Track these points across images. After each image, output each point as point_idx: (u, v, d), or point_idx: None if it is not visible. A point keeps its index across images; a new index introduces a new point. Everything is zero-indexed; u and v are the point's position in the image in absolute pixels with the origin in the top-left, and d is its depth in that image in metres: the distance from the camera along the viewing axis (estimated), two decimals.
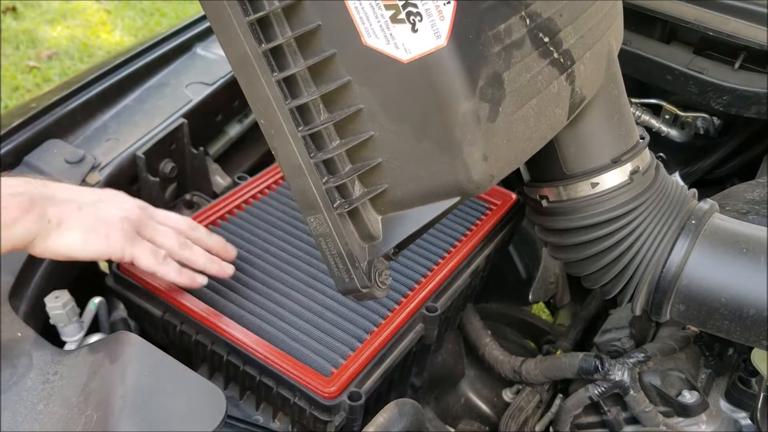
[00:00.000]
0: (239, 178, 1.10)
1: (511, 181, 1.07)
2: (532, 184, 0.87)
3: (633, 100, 1.32)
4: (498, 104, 0.60)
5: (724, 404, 0.96)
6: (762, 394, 0.90)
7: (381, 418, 0.73)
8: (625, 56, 1.18)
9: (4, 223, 0.70)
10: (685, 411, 0.95)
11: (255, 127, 1.26)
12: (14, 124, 1.01)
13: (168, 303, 0.87)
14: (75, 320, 0.83)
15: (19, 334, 0.78)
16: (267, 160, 1.29)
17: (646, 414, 0.95)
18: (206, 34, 1.29)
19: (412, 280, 0.94)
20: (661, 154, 1.38)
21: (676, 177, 1.32)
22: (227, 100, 1.17)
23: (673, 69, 1.15)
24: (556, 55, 0.67)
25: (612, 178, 0.81)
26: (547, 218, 0.86)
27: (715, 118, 1.31)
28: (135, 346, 0.74)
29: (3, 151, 0.98)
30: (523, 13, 0.63)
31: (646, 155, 0.85)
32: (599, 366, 0.99)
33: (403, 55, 0.57)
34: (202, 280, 0.85)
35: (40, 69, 3.08)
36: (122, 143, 1.04)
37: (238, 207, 1.03)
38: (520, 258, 1.39)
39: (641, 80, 1.21)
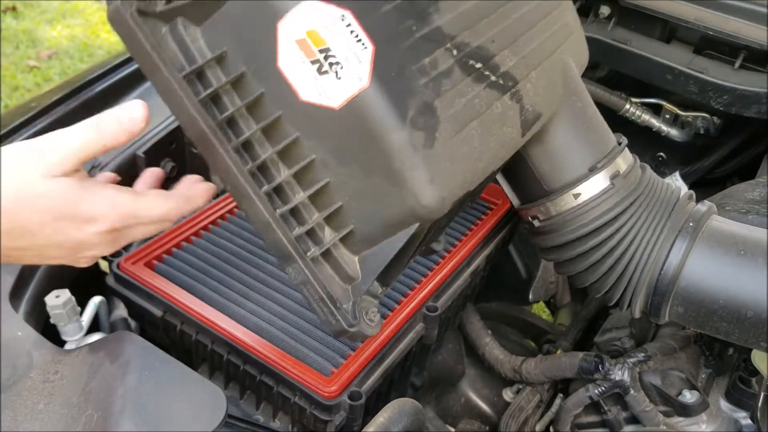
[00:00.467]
0: None
1: None
2: (521, 207, 0.88)
3: (633, 99, 1.32)
4: (433, 131, 0.64)
5: (724, 404, 0.96)
6: (762, 394, 0.90)
7: (381, 417, 0.73)
8: (625, 56, 1.19)
9: None
10: (685, 411, 0.95)
11: None
12: (14, 124, 1.01)
13: (168, 303, 0.87)
14: (75, 320, 0.83)
15: (20, 334, 0.78)
16: None
17: (647, 414, 0.95)
18: None
19: (413, 280, 0.95)
20: (661, 153, 1.38)
21: (676, 177, 1.32)
22: None
23: (673, 69, 1.15)
24: (493, 78, 0.70)
25: (592, 186, 0.82)
26: (543, 237, 0.86)
27: (715, 118, 1.31)
28: (135, 345, 0.74)
29: None
30: (448, 45, 0.67)
31: (626, 158, 0.85)
32: (599, 366, 0.99)
33: (335, 103, 0.62)
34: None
35: (40, 69, 3.08)
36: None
37: (237, 206, 1.03)
38: (520, 258, 1.39)
39: (641, 80, 1.21)
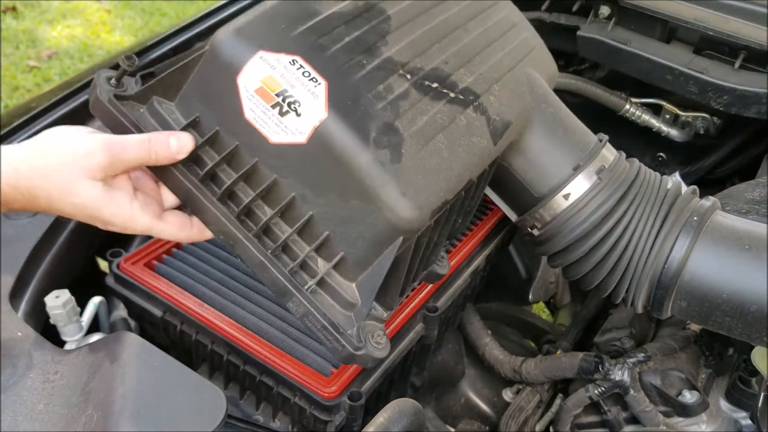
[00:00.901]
0: None
1: None
2: (519, 220, 0.89)
3: (633, 99, 1.32)
4: (398, 147, 0.68)
5: (724, 404, 0.96)
6: (762, 394, 0.90)
7: (381, 418, 0.73)
8: (625, 56, 1.18)
9: None
10: (685, 411, 0.95)
11: None
12: (14, 124, 1.01)
13: (168, 303, 0.87)
14: (75, 320, 0.83)
15: (20, 334, 0.78)
16: None
17: (647, 414, 0.95)
18: (206, 33, 1.29)
19: None
20: (661, 154, 1.38)
21: (676, 177, 1.32)
22: None
23: (673, 69, 1.15)
24: (452, 94, 0.75)
25: (580, 184, 0.83)
26: (546, 245, 0.87)
27: (715, 118, 1.31)
28: (135, 346, 0.74)
29: None
30: (401, 71, 0.73)
31: (609, 152, 0.86)
32: (599, 366, 0.99)
33: (301, 138, 0.67)
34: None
35: (40, 69, 3.08)
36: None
37: None
38: (520, 258, 1.39)
39: (641, 80, 1.21)
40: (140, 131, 0.71)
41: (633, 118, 1.32)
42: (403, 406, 0.76)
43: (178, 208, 0.77)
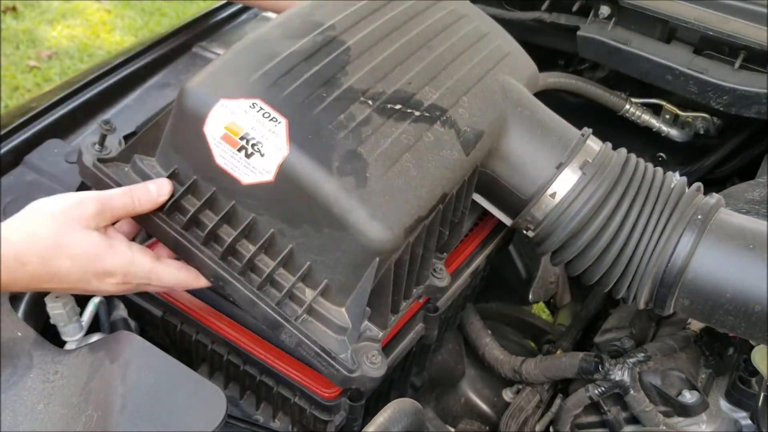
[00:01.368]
0: None
1: None
2: (514, 224, 0.89)
3: (633, 100, 1.32)
4: (363, 172, 0.71)
5: (724, 404, 0.96)
6: (762, 394, 0.90)
7: (381, 418, 0.73)
8: (625, 56, 1.18)
9: None
10: (685, 411, 0.95)
11: None
12: (14, 124, 1.01)
13: (168, 303, 0.87)
14: (75, 320, 0.83)
15: (20, 334, 0.77)
16: None
17: (646, 414, 0.95)
18: (206, 33, 1.29)
19: None
20: (661, 154, 1.38)
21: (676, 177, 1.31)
22: None
23: (673, 69, 1.15)
24: (417, 113, 0.77)
25: (565, 181, 0.83)
26: (544, 245, 0.87)
27: (715, 118, 1.31)
28: (135, 346, 0.74)
29: (3, 151, 0.98)
30: (362, 98, 0.75)
31: (593, 146, 0.86)
32: (599, 366, 0.99)
33: (268, 176, 0.71)
34: None
35: (40, 69, 3.08)
36: (122, 143, 1.03)
37: None
38: (520, 258, 1.39)
39: (641, 80, 1.21)
40: None
41: (633, 118, 1.32)
42: (403, 406, 0.76)
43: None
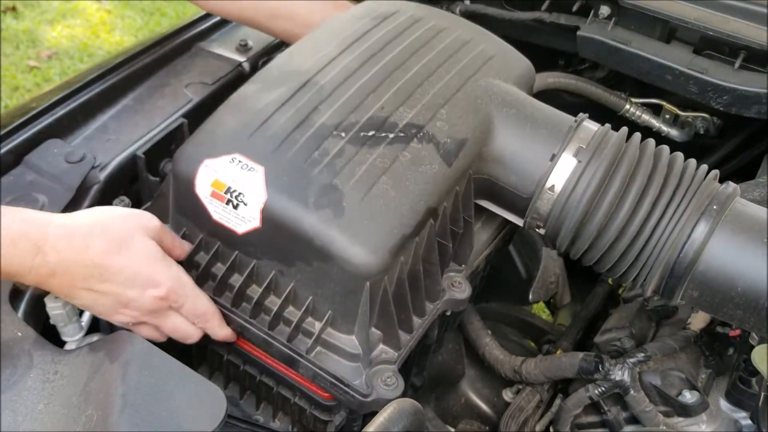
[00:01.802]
0: None
1: None
2: (525, 224, 0.88)
3: (633, 100, 1.32)
4: (339, 203, 0.74)
5: (724, 404, 0.96)
6: (762, 394, 0.90)
7: (381, 418, 0.73)
8: (625, 56, 1.18)
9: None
10: (685, 411, 0.94)
11: None
12: (14, 124, 1.01)
13: None
14: (75, 320, 0.83)
15: (20, 334, 0.77)
16: None
17: (647, 414, 0.95)
18: (206, 33, 1.29)
19: None
20: None
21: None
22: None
23: (673, 69, 1.15)
24: (392, 135, 0.80)
25: (561, 172, 0.82)
26: (558, 242, 0.85)
27: (715, 118, 1.31)
28: (135, 346, 0.74)
29: (3, 151, 0.98)
30: (335, 132, 0.79)
31: (589, 130, 0.84)
32: (599, 366, 0.99)
33: (255, 223, 0.76)
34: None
35: (40, 69, 3.08)
36: (122, 143, 1.03)
37: None
38: (520, 258, 1.38)
39: (641, 80, 1.21)
40: None
41: (633, 118, 1.32)
42: (403, 406, 0.76)
43: None
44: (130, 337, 0.75)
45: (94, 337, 0.85)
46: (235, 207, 0.76)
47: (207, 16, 1.31)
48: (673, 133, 1.32)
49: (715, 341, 0.99)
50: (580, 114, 0.87)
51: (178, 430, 0.67)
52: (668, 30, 1.19)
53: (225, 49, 1.25)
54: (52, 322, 0.83)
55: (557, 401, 1.10)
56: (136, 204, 0.99)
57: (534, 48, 1.41)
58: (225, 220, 0.78)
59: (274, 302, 0.79)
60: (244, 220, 0.76)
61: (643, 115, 1.32)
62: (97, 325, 0.91)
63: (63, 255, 0.72)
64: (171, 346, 0.91)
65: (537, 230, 0.87)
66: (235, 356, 0.87)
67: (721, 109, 1.13)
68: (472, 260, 0.90)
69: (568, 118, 0.87)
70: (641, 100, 1.33)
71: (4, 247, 0.69)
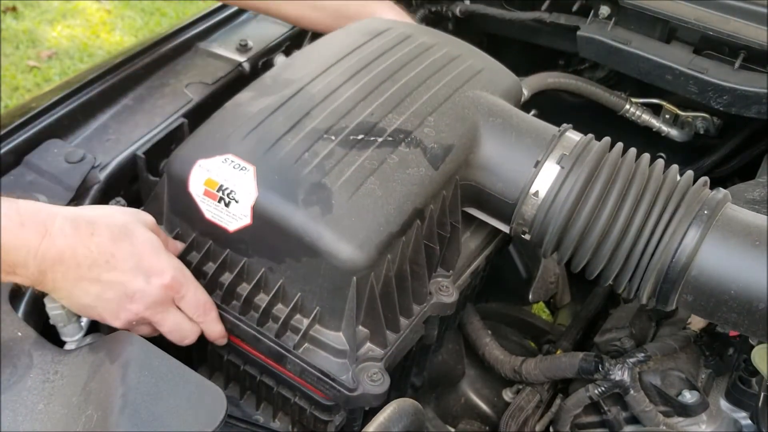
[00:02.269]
0: None
1: None
2: (511, 230, 0.89)
3: (633, 99, 1.32)
4: (328, 200, 0.76)
5: (724, 404, 0.96)
6: (762, 394, 0.90)
7: (381, 417, 0.73)
8: (625, 56, 1.18)
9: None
10: (685, 411, 0.95)
11: None
12: (14, 124, 1.01)
13: None
14: (74, 320, 0.83)
15: (20, 334, 0.77)
16: None
17: (646, 414, 0.95)
18: (206, 33, 1.29)
19: None
20: (662, 154, 1.38)
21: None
22: (227, 100, 1.17)
23: (673, 69, 1.15)
24: (380, 139, 0.82)
25: (545, 178, 0.84)
26: (544, 247, 0.86)
27: (715, 118, 1.31)
28: (135, 346, 0.74)
29: (3, 151, 0.98)
30: (325, 135, 0.81)
31: (572, 139, 0.86)
32: (599, 366, 0.99)
33: (246, 220, 0.78)
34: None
35: (40, 69, 3.08)
36: (122, 143, 1.04)
37: None
38: (520, 258, 1.38)
39: (641, 80, 1.21)
40: None
41: (633, 118, 1.32)
42: (403, 406, 0.76)
43: None
44: (130, 337, 0.75)
45: (94, 337, 0.85)
46: (227, 205, 0.78)
47: (207, 16, 1.31)
48: (673, 133, 1.32)
49: (715, 341, 0.99)
50: (564, 124, 0.89)
51: (178, 430, 0.67)
52: (668, 30, 1.19)
53: (225, 49, 1.25)
54: (51, 322, 0.83)
55: (557, 401, 1.10)
56: (136, 204, 0.99)
57: (534, 48, 1.41)
58: (217, 218, 0.80)
59: (263, 299, 0.80)
60: (235, 218, 0.78)
61: (643, 115, 1.32)
62: (96, 325, 0.91)
63: (70, 240, 0.72)
64: (171, 346, 0.91)
65: (523, 236, 0.89)
66: (235, 356, 0.87)
67: (721, 109, 1.13)
68: (459, 267, 0.92)
69: (552, 128, 0.90)
70: (641, 100, 1.33)
71: (11, 229, 0.69)
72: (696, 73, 1.13)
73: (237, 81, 1.19)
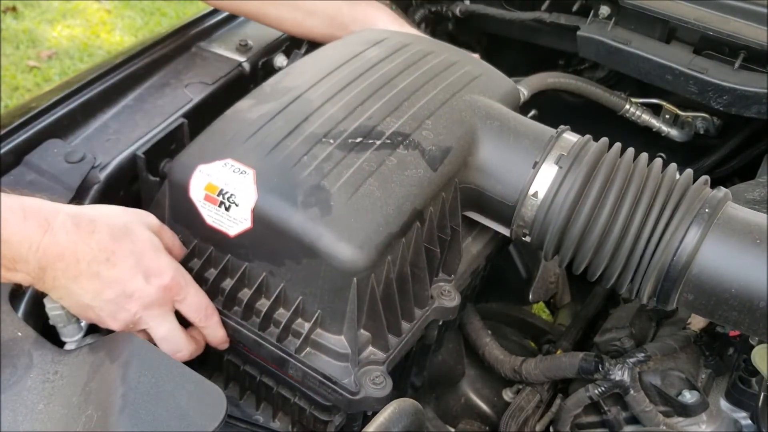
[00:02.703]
0: None
1: None
2: (512, 233, 0.89)
3: (633, 100, 1.32)
4: (327, 202, 0.77)
5: (724, 404, 0.96)
6: (762, 394, 0.90)
7: (381, 418, 0.73)
8: (625, 56, 1.18)
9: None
10: (685, 411, 0.95)
11: None
12: (14, 124, 1.01)
13: None
14: (74, 320, 0.83)
15: (20, 334, 0.77)
16: None
17: (646, 414, 0.95)
18: (206, 33, 1.29)
19: None
20: (661, 154, 1.38)
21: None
22: (227, 100, 1.17)
23: (673, 69, 1.15)
24: (378, 142, 0.83)
25: (543, 179, 0.84)
26: (545, 249, 0.86)
27: (715, 118, 1.31)
28: (135, 346, 0.74)
29: (3, 151, 0.97)
30: (323, 139, 0.82)
31: (569, 140, 0.87)
32: (599, 366, 0.99)
33: (247, 224, 0.78)
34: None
35: (40, 69, 3.08)
36: (122, 143, 1.03)
37: None
38: (520, 258, 1.38)
39: (641, 80, 1.21)
40: None
41: (633, 118, 1.32)
42: (403, 406, 0.76)
43: None
44: (130, 337, 0.75)
45: (94, 338, 0.85)
46: (227, 209, 0.79)
47: (207, 15, 1.31)
48: (673, 133, 1.32)
49: (715, 341, 0.99)
50: (561, 126, 0.90)
51: (178, 430, 0.67)
52: (668, 30, 1.19)
53: (225, 49, 1.24)
54: (51, 322, 0.83)
55: (557, 401, 1.10)
56: (136, 204, 0.99)
57: (534, 48, 1.41)
58: (218, 223, 0.80)
59: (264, 304, 0.80)
60: (235, 222, 0.79)
61: (643, 115, 1.32)
62: (96, 326, 0.91)
63: (71, 236, 0.72)
64: None
65: (524, 238, 0.89)
66: (234, 356, 0.87)
67: (721, 109, 1.13)
68: (461, 272, 0.92)
69: (550, 130, 0.90)
70: (641, 100, 1.33)
71: (14, 223, 0.69)
72: (696, 73, 1.13)
73: (237, 81, 1.18)
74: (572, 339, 1.22)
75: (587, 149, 0.85)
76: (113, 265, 0.74)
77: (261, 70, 1.22)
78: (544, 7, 1.29)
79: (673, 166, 0.86)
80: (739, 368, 0.95)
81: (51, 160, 0.98)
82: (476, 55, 1.10)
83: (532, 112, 1.33)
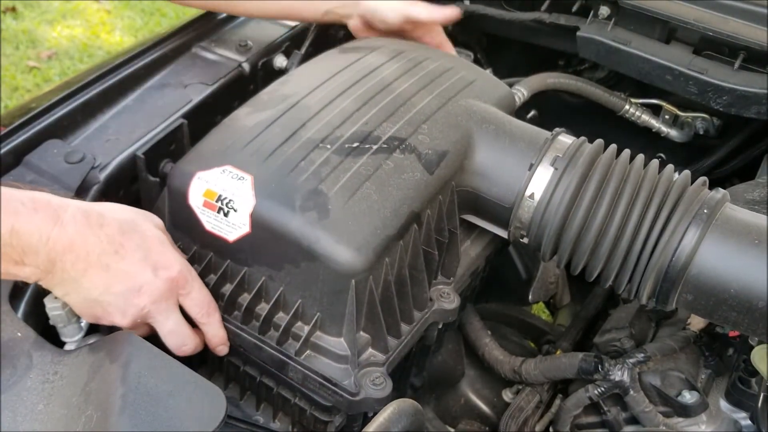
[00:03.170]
0: None
1: None
2: (509, 235, 0.90)
3: (633, 100, 1.32)
4: (325, 206, 0.77)
5: (724, 404, 0.96)
6: (762, 394, 0.90)
7: (381, 418, 0.73)
8: (625, 56, 1.18)
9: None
10: (685, 411, 0.95)
11: None
12: (14, 124, 1.01)
13: None
14: (74, 321, 0.83)
15: (19, 334, 0.77)
16: None
17: (646, 414, 0.95)
18: (206, 34, 1.29)
19: None
20: (661, 154, 1.38)
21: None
22: (227, 100, 1.17)
23: (673, 69, 1.15)
24: (375, 146, 0.84)
25: (539, 181, 0.85)
26: (543, 250, 0.86)
27: (715, 118, 1.31)
28: (135, 346, 0.74)
29: (3, 151, 0.97)
30: (320, 144, 0.83)
31: (565, 142, 0.87)
32: (599, 366, 0.99)
33: (245, 228, 0.79)
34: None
35: (40, 69, 3.08)
36: (122, 143, 1.03)
37: None
38: (520, 258, 1.38)
39: (641, 80, 1.21)
40: None
41: (633, 118, 1.32)
42: (403, 406, 0.76)
43: None
44: (130, 337, 0.75)
45: (94, 338, 0.85)
46: (226, 214, 0.79)
47: (207, 16, 1.31)
48: (673, 133, 1.32)
49: (715, 341, 0.99)
50: (556, 128, 0.90)
51: (178, 430, 0.67)
52: (668, 30, 1.19)
53: (225, 49, 1.25)
54: (51, 323, 0.83)
55: (557, 401, 1.10)
56: (136, 204, 0.99)
57: (534, 48, 1.41)
58: (217, 229, 0.81)
59: (263, 308, 0.81)
60: (234, 227, 0.79)
61: (643, 116, 1.32)
62: (96, 326, 0.91)
63: (81, 228, 0.73)
64: None
65: (521, 240, 0.89)
66: (235, 357, 0.87)
67: (721, 109, 1.13)
68: (460, 275, 0.92)
69: (545, 132, 0.90)
70: (641, 101, 1.33)
71: (25, 214, 0.69)
72: (696, 73, 1.13)
73: (237, 81, 1.19)
74: (572, 339, 1.22)
75: (582, 151, 0.85)
76: (122, 257, 0.75)
77: (261, 71, 1.22)
78: (543, 7, 1.29)
79: (670, 167, 0.86)
80: (739, 368, 0.95)
81: (51, 160, 0.98)
82: (470, 56, 1.10)
83: (532, 113, 1.33)
